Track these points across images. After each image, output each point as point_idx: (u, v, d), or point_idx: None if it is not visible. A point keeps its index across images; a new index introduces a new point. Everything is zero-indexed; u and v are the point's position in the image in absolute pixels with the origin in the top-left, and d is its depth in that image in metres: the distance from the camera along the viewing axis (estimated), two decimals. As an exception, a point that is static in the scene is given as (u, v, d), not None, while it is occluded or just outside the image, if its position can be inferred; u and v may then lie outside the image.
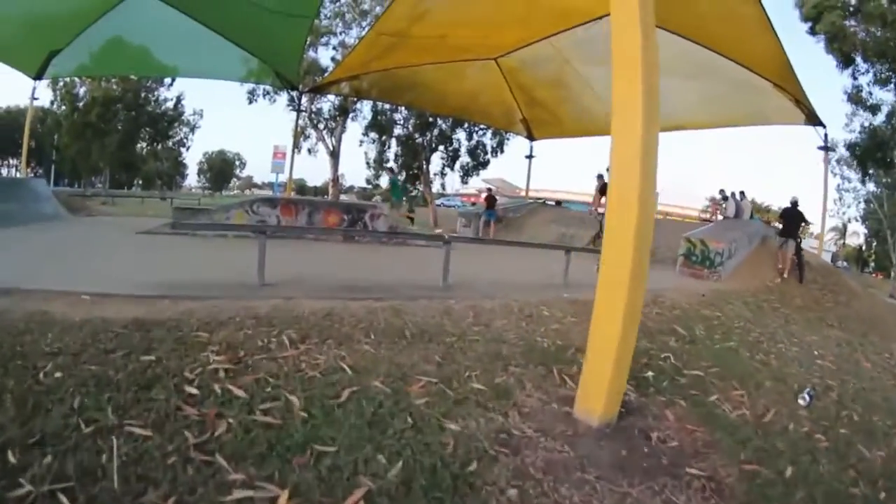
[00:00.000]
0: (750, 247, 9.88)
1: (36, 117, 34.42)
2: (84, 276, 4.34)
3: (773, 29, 7.88)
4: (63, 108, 28.71)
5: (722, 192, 12.98)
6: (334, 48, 21.92)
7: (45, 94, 28.14)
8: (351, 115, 23.09)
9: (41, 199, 10.86)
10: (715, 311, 6.08)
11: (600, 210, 10.82)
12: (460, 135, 20.93)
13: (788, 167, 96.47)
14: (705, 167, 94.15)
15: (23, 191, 10.51)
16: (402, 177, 19.19)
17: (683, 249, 9.02)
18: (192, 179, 65.79)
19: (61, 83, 27.31)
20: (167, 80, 31.45)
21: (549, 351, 3.82)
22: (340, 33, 22.36)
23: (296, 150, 16.24)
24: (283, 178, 18.40)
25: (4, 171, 40.41)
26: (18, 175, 21.67)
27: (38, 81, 11.15)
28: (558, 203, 17.60)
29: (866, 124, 17.72)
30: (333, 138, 24.14)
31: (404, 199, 18.27)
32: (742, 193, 11.81)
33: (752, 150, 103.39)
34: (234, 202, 9.23)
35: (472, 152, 21.17)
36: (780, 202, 37.94)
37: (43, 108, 30.56)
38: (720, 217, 13.02)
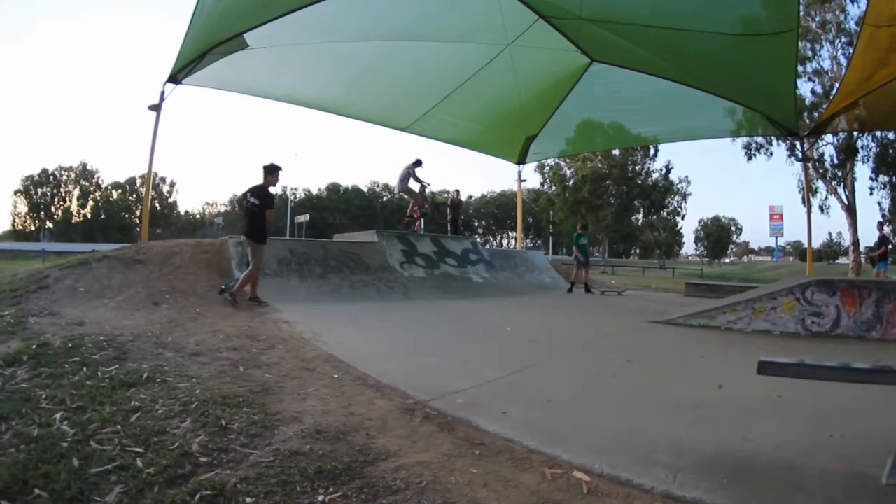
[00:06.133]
0: None
1: (529, 197, 43.24)
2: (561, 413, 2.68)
3: None
4: (553, 187, 33.22)
5: None
6: (809, 78, 18.86)
7: (534, 178, 33.07)
8: (861, 156, 18.25)
9: (539, 270, 11.59)
10: None
11: None
12: None
13: None
14: None
15: (519, 262, 11.40)
16: None
17: None
18: (688, 247, 66.73)
19: (547, 167, 32.41)
20: (651, 152, 32.46)
21: None
22: (812, 59, 18.63)
23: (807, 208, 12.06)
24: (781, 241, 15.47)
25: (505, 243, 49.76)
26: (514, 247, 25.50)
27: (521, 166, 12.91)
28: None
29: None
30: (845, 188, 19.20)
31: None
32: None
33: None
34: (780, 286, 6.93)
35: None
36: None
37: (535, 189, 38.11)
38: None
